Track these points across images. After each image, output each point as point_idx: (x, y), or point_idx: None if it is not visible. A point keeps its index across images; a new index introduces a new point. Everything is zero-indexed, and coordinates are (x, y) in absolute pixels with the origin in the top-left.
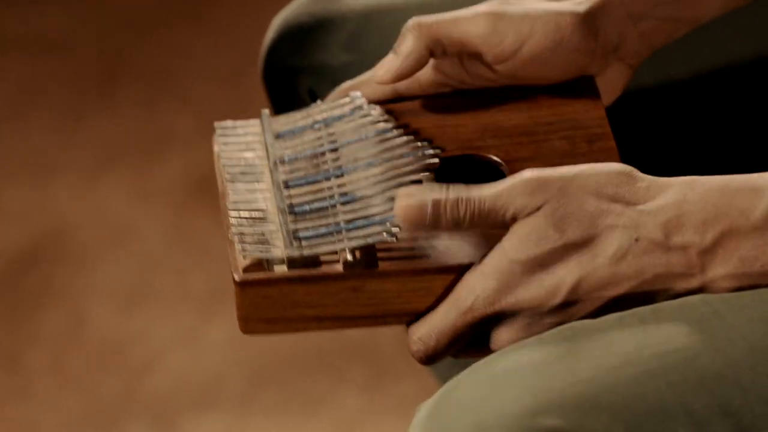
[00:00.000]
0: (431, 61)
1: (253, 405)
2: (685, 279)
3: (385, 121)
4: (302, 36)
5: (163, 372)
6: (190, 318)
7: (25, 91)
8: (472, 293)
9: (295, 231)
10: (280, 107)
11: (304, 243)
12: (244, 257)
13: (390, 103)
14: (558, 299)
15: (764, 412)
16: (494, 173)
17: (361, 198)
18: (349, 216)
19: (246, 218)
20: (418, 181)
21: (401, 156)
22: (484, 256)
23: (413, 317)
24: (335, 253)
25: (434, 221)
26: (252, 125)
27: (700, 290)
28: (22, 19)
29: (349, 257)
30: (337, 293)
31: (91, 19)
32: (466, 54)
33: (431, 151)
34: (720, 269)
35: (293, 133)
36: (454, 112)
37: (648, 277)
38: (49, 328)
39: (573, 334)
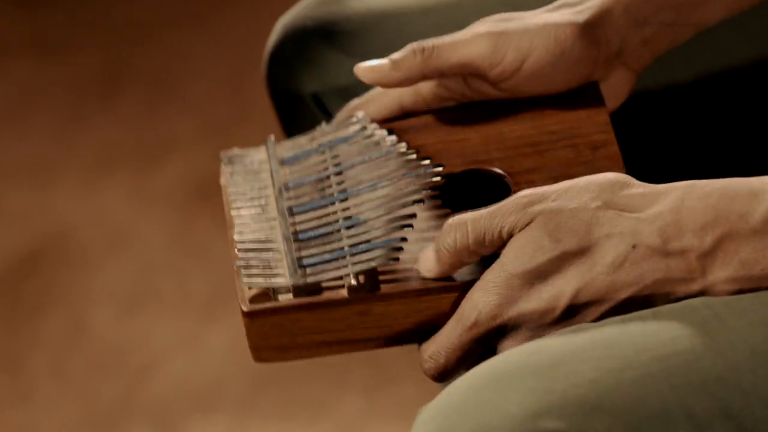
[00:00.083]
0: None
1: (254, 409)
2: (686, 283)
3: (389, 141)
4: (305, 40)
5: (164, 376)
6: (190, 322)
7: (26, 93)
8: (475, 309)
9: (300, 258)
10: (283, 113)
11: (308, 270)
12: (250, 288)
13: (394, 121)
14: (559, 309)
15: (765, 416)
16: (499, 186)
17: (365, 221)
18: (353, 240)
19: (251, 249)
20: (421, 201)
21: (405, 176)
22: (485, 272)
23: (424, 336)
24: (340, 278)
25: (439, 259)
26: (257, 152)
27: (701, 294)
28: (24, 21)
29: (353, 282)
30: (344, 318)
31: (92, 23)
32: (467, 74)
33: (435, 169)
34: (720, 273)
35: (298, 158)
36: (457, 126)
37: (648, 283)
38: (49, 331)
39: (574, 336)
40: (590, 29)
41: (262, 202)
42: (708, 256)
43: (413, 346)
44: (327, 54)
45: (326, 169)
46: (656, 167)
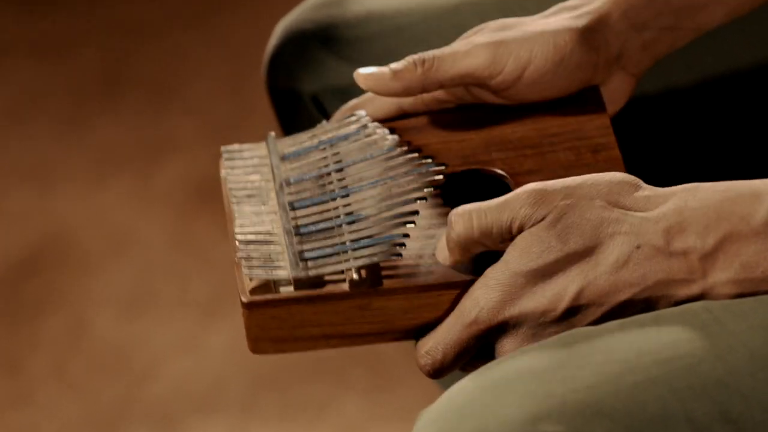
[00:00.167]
0: None
1: (254, 410)
2: (687, 285)
3: (390, 139)
4: (305, 43)
5: (164, 377)
6: (190, 324)
7: (27, 95)
8: (477, 305)
9: (301, 252)
10: (283, 115)
11: (310, 264)
12: (251, 279)
13: (394, 121)
14: (560, 309)
15: (765, 419)
16: (499, 187)
17: (366, 217)
18: (355, 235)
19: (252, 241)
20: (423, 199)
21: (406, 174)
22: (487, 269)
23: (421, 332)
24: (341, 272)
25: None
26: (258, 148)
27: (701, 296)
28: (26, 23)
29: (355, 276)
30: (344, 312)
31: (94, 25)
32: (468, 84)
33: (436, 168)
34: (721, 275)
35: (299, 155)
36: (458, 126)
37: (650, 284)
38: (50, 333)
39: (574, 340)
40: (589, 34)
41: (263, 196)
42: (709, 257)
43: (414, 349)
44: (326, 56)
45: (327, 165)
46: (657, 171)
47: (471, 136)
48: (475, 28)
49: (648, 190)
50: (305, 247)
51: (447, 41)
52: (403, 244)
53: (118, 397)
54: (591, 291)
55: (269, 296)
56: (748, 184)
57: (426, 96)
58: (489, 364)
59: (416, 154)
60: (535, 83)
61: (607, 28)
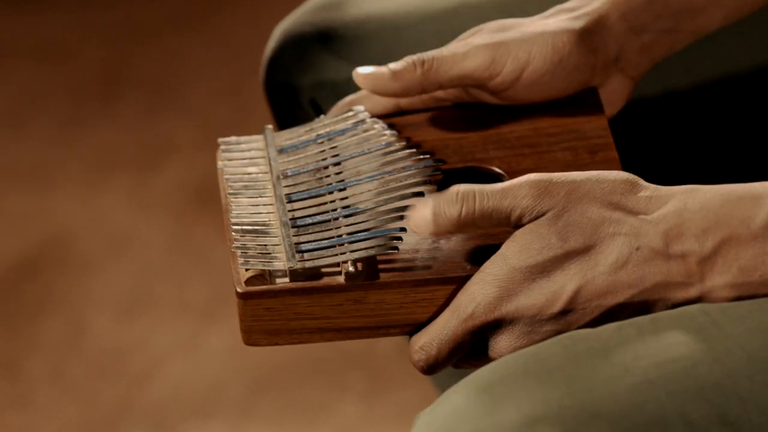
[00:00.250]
0: None
1: (253, 413)
2: (684, 288)
3: (388, 134)
4: (303, 46)
5: (163, 380)
6: (189, 326)
7: (26, 98)
8: (473, 301)
9: (298, 244)
10: (281, 117)
11: (306, 255)
12: (246, 270)
13: (392, 117)
14: (557, 307)
15: (762, 422)
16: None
17: (364, 211)
18: (351, 228)
19: (248, 231)
20: (420, 194)
21: (403, 169)
22: (484, 264)
23: (415, 327)
24: (337, 265)
25: (436, 224)
26: (255, 140)
27: (699, 299)
28: (25, 27)
29: (351, 269)
30: (339, 305)
31: (92, 28)
32: (467, 85)
33: (433, 164)
34: (719, 278)
35: (296, 148)
36: (456, 124)
37: (648, 286)
38: (48, 336)
39: (572, 343)
40: (587, 36)
41: (259, 188)
42: (708, 260)
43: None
44: (325, 59)
45: (324, 159)
46: (655, 173)
47: (469, 134)
48: (473, 29)
49: (649, 191)
50: (302, 239)
51: (445, 44)
52: (399, 238)
53: (117, 398)
54: (588, 290)
55: (264, 287)
56: (748, 188)
57: (424, 95)
58: (486, 367)
59: (414, 150)
60: (534, 84)
61: (606, 30)
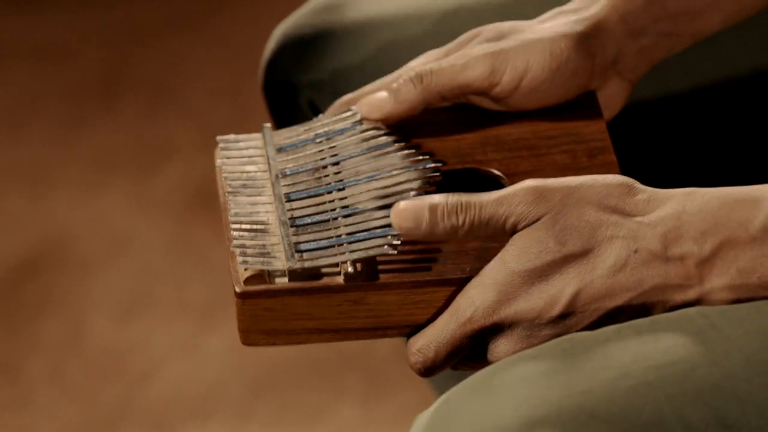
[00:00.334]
0: None
1: (252, 414)
2: (683, 290)
3: (387, 134)
4: (303, 48)
5: (162, 381)
6: (189, 327)
7: (25, 99)
8: (472, 305)
9: (297, 243)
10: (280, 119)
11: (305, 255)
12: (245, 269)
13: None
14: (556, 310)
15: (761, 425)
16: (495, 187)
17: (363, 211)
18: (351, 229)
19: (247, 230)
20: (419, 193)
21: (402, 169)
22: (483, 268)
23: (413, 329)
24: (336, 265)
25: (431, 227)
26: (254, 139)
27: (697, 302)
28: (24, 28)
29: (350, 269)
30: (338, 305)
31: (92, 29)
32: (467, 94)
33: (432, 165)
34: (718, 280)
35: (295, 147)
36: (455, 125)
37: (646, 288)
38: (48, 337)
39: (571, 345)
40: (586, 40)
41: (258, 187)
42: (706, 263)
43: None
44: (324, 61)
45: (323, 158)
46: (653, 176)
47: (468, 135)
48: (471, 32)
49: (646, 193)
50: (301, 239)
51: (444, 45)
52: (399, 239)
53: (117, 399)
54: (587, 294)
55: (263, 287)
56: (746, 190)
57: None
58: (485, 369)
59: (413, 150)
60: (533, 92)
61: (605, 33)
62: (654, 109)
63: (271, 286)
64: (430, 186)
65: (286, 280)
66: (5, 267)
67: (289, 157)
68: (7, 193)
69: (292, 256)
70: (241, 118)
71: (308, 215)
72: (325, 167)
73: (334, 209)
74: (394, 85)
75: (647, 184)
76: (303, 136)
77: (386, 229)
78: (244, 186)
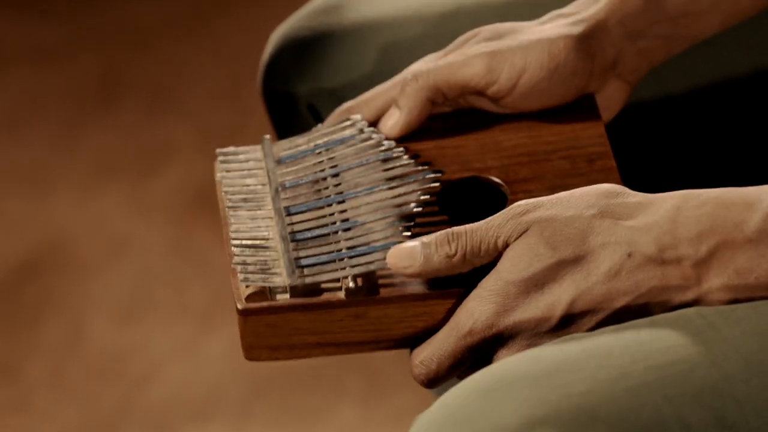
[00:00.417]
0: None
1: (252, 416)
2: (681, 291)
3: (385, 144)
4: (301, 50)
5: (162, 383)
6: (188, 330)
7: (25, 102)
8: (471, 317)
9: (297, 259)
10: (279, 122)
11: (306, 271)
12: (247, 286)
13: None
14: (555, 319)
15: (760, 425)
16: (496, 194)
17: (363, 224)
18: (351, 243)
19: (248, 246)
20: (419, 206)
21: (402, 180)
22: (482, 280)
23: (416, 341)
24: (337, 280)
25: (426, 260)
26: (253, 151)
27: (695, 302)
28: (23, 31)
29: (351, 284)
30: (340, 320)
31: (91, 32)
32: (465, 94)
33: (432, 175)
34: (715, 281)
35: (294, 158)
36: (454, 133)
37: (643, 291)
38: (48, 339)
39: (569, 346)
40: (585, 41)
41: (258, 200)
42: (703, 264)
43: (409, 357)
44: (323, 64)
45: (323, 170)
46: (652, 178)
47: (467, 143)
48: (469, 33)
49: (636, 197)
50: (301, 254)
51: (443, 48)
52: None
53: (117, 401)
54: (584, 301)
55: (265, 304)
56: (741, 192)
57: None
58: (484, 369)
59: (412, 160)
60: (531, 92)
61: (603, 35)
62: (653, 110)
63: (273, 303)
64: (429, 197)
65: (287, 296)
66: (5, 269)
67: (289, 169)
68: (7, 195)
69: (293, 272)
70: (240, 120)
71: (308, 229)
72: (324, 179)
73: (334, 222)
74: (399, 98)
75: (646, 185)
76: (302, 147)
77: (386, 242)
78: (245, 200)
